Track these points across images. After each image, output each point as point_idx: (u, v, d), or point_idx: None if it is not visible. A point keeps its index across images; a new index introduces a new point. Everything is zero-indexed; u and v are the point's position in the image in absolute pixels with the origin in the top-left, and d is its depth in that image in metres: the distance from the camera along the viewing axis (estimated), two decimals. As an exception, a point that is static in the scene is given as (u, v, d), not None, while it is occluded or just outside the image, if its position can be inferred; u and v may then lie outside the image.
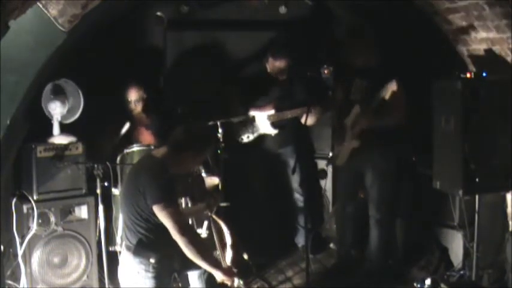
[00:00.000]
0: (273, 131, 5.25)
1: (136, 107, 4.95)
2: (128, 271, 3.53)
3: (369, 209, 4.88)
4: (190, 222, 4.32)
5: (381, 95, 4.45)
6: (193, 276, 3.82)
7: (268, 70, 5.22)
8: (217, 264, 3.59)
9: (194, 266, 3.72)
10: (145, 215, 3.42)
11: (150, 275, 3.46)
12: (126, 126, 4.77)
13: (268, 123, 5.22)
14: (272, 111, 5.20)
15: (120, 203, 3.85)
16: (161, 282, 3.52)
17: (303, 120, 4.75)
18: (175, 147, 3.53)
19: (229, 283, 3.55)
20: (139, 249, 3.46)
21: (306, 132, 5.44)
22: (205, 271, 3.73)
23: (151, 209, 3.39)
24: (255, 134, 5.27)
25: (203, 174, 4.40)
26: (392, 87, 4.36)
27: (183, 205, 4.30)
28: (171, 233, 3.39)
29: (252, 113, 5.23)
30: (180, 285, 4.10)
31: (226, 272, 3.55)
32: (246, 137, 5.27)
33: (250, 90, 5.28)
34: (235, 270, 3.66)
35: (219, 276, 3.52)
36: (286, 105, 5.16)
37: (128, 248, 3.51)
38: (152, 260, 3.45)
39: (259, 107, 5.23)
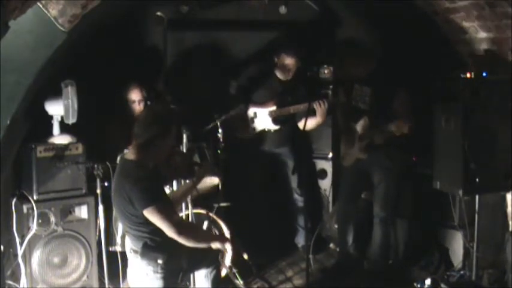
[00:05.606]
0: (274, 127, 5.23)
1: (138, 107, 4.95)
2: (137, 273, 3.51)
3: (374, 207, 4.88)
4: (190, 218, 4.33)
5: (390, 129, 4.44)
6: (199, 275, 3.79)
7: (276, 66, 5.17)
8: (213, 238, 3.86)
9: (201, 265, 3.71)
10: (143, 219, 3.36)
11: (158, 275, 3.43)
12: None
13: (269, 119, 5.20)
14: (274, 107, 5.19)
15: (115, 212, 3.83)
16: (169, 282, 3.49)
17: (301, 126, 4.72)
18: (140, 141, 3.39)
19: (225, 250, 3.71)
20: (146, 251, 3.43)
21: (305, 133, 5.43)
22: (212, 270, 3.73)
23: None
24: (256, 131, 5.26)
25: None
26: (403, 129, 4.36)
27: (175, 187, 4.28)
28: (167, 233, 3.35)
29: (253, 109, 5.23)
30: (187, 283, 4.09)
31: (221, 239, 3.73)
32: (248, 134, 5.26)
33: (250, 89, 5.27)
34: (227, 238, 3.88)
35: (216, 246, 3.60)
36: (287, 103, 5.15)
37: (134, 252, 3.49)
38: (160, 261, 3.42)
39: (261, 103, 5.23)
